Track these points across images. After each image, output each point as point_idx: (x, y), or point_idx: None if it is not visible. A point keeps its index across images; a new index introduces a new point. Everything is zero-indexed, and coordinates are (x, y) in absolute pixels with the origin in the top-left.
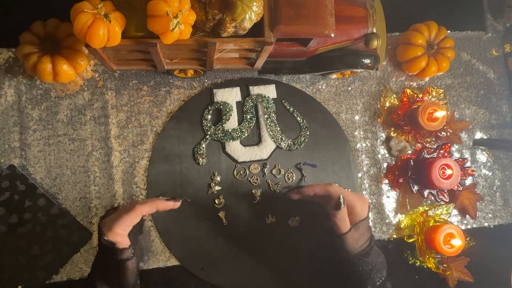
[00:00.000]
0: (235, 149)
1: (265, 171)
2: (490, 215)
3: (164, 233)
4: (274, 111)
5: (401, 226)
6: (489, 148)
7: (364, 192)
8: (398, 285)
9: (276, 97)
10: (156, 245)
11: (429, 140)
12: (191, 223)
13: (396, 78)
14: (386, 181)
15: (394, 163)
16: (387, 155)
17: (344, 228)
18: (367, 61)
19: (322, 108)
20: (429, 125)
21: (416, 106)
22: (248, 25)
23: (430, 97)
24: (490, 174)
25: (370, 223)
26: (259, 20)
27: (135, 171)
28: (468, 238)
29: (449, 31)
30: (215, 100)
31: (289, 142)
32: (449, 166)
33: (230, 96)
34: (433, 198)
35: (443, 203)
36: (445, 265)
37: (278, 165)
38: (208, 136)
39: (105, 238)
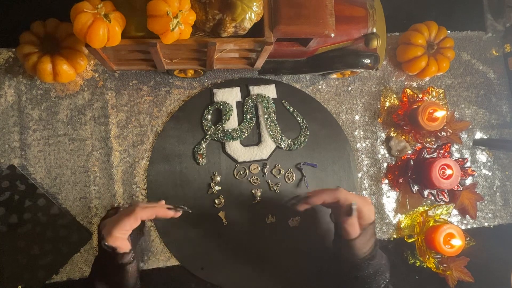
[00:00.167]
0: (235, 149)
1: (265, 171)
2: (490, 215)
3: (164, 233)
4: (274, 111)
5: (401, 226)
6: (489, 148)
7: (364, 192)
8: (398, 285)
9: (276, 97)
10: (156, 245)
11: (429, 140)
12: (191, 223)
13: (396, 78)
14: (386, 181)
15: (394, 163)
16: (387, 155)
17: (354, 234)
18: (367, 61)
19: (322, 108)
20: (429, 125)
21: (416, 106)
22: (248, 25)
23: (430, 97)
24: (490, 174)
25: None
26: (259, 20)
27: (135, 171)
28: (468, 238)
29: (449, 31)
30: (215, 100)
31: (289, 142)
32: (449, 166)
33: (230, 96)
34: (433, 198)
35: (443, 203)
36: (445, 265)
37: (278, 165)
38: (208, 136)
39: (105, 243)
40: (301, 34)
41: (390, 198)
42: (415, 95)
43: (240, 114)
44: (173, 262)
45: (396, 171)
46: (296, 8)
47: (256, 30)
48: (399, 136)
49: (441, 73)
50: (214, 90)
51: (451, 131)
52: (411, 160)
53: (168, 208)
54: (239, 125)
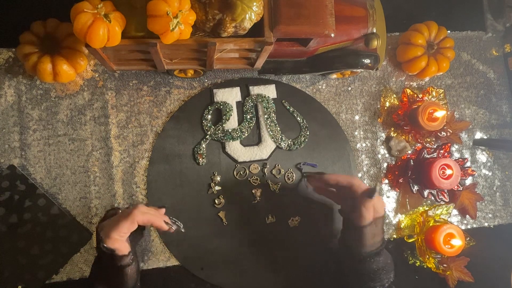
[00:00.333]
0: (235, 149)
1: (265, 171)
2: (490, 215)
3: (164, 233)
4: (274, 111)
5: (401, 226)
6: (489, 148)
7: None
8: (398, 285)
9: (276, 97)
10: (156, 245)
11: (429, 140)
12: (191, 223)
13: (396, 78)
14: (386, 181)
15: (394, 163)
16: (387, 155)
17: (368, 219)
18: (367, 61)
19: (322, 108)
20: (429, 125)
21: (416, 106)
22: (248, 25)
23: (430, 97)
24: (490, 174)
25: None
26: (259, 20)
27: (135, 171)
28: (468, 238)
29: (449, 31)
30: (215, 100)
31: (289, 142)
32: (449, 166)
33: (230, 96)
34: (433, 198)
35: (443, 203)
36: (445, 265)
37: (278, 165)
38: (208, 136)
39: (104, 245)
40: (301, 34)
41: (390, 198)
42: (415, 95)
43: (240, 114)
44: (173, 262)
45: (396, 171)
46: (296, 8)
47: (256, 30)
48: (399, 136)
49: (441, 73)
50: (214, 90)
51: (451, 131)
52: (411, 160)
53: (165, 222)
54: (239, 125)
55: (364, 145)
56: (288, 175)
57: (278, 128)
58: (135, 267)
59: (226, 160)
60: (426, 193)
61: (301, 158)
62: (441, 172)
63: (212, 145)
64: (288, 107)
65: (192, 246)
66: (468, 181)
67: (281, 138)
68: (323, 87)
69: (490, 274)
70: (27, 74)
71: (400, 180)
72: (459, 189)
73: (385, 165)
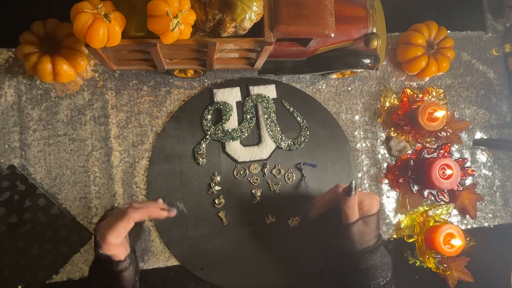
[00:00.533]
0: (235, 149)
1: (265, 171)
2: (490, 215)
3: (164, 233)
4: (274, 111)
5: (401, 226)
6: (489, 148)
7: None
8: (398, 285)
9: (276, 97)
10: (156, 245)
11: (429, 140)
12: (191, 223)
13: (396, 78)
14: (386, 181)
15: (394, 163)
16: (387, 155)
17: (352, 217)
18: (367, 61)
19: (322, 108)
20: (429, 125)
21: (416, 106)
22: (248, 25)
23: (430, 97)
24: (490, 174)
25: None
26: (259, 20)
27: (135, 171)
28: (468, 238)
29: (449, 31)
30: (215, 100)
31: (289, 142)
32: (449, 166)
33: (230, 96)
34: (433, 198)
35: (443, 203)
36: (445, 265)
37: (278, 165)
38: (208, 136)
39: (100, 252)
40: (301, 34)
41: (390, 198)
42: (415, 95)
43: (240, 114)
44: (173, 262)
45: (396, 171)
46: (296, 8)
47: (256, 30)
48: (399, 136)
49: (441, 73)
50: (214, 90)
51: (451, 131)
52: (411, 160)
53: (162, 209)
54: (239, 125)
55: (364, 145)
56: (288, 175)
57: (278, 128)
58: (132, 270)
59: (226, 160)
60: (426, 193)
61: (301, 158)
62: (441, 172)
63: (212, 145)
64: (288, 107)
65: (192, 246)
66: (468, 181)
67: (281, 138)
68: (323, 87)
69: (490, 274)
70: (27, 74)
71: (400, 180)
72: (459, 189)
73: (385, 165)
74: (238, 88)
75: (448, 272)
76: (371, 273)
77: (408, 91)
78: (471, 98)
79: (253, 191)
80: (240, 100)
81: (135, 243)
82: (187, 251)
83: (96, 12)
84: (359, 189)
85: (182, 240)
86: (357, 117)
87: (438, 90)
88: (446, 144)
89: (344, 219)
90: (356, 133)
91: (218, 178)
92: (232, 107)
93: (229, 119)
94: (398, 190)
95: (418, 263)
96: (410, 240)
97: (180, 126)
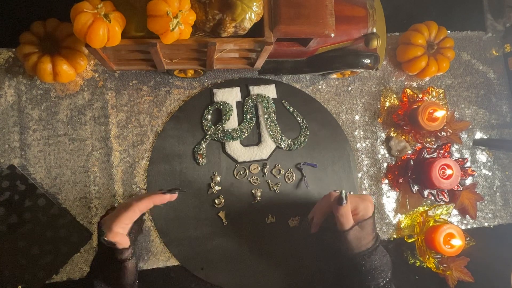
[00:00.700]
0: (235, 149)
1: (265, 171)
2: (490, 215)
3: (164, 233)
4: (274, 111)
5: (401, 226)
6: (489, 148)
7: (364, 192)
8: (398, 285)
9: (276, 97)
10: (156, 245)
11: (429, 140)
12: (191, 223)
13: (396, 78)
14: (386, 181)
15: (394, 163)
16: (387, 155)
17: (346, 225)
18: (367, 61)
19: (322, 108)
20: (429, 125)
21: (416, 106)
22: (248, 25)
23: (430, 97)
24: (490, 174)
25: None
26: (259, 20)
27: (135, 171)
28: (468, 238)
29: (449, 31)
30: (215, 100)
31: (289, 142)
32: (449, 166)
33: (230, 96)
34: (433, 198)
35: (443, 203)
36: (445, 265)
37: (278, 165)
38: (208, 136)
39: (105, 238)
40: (301, 34)
41: (390, 198)
42: (415, 95)
43: (240, 114)
44: (173, 262)
45: (396, 171)
46: (296, 8)
47: (256, 30)
48: (399, 136)
49: (441, 73)
50: (214, 90)
51: (451, 131)
52: (411, 160)
53: (163, 193)
54: (239, 125)
55: (364, 145)
56: (288, 175)
57: (278, 128)
58: (135, 262)
59: (226, 160)
60: (426, 193)
61: (301, 158)
62: (441, 172)
63: (212, 145)
64: (288, 107)
65: (192, 246)
66: (468, 181)
67: (281, 138)
68: (323, 87)
69: (490, 274)
70: (27, 74)
71: (400, 180)
72: (459, 189)
73: (385, 165)
74: (238, 88)
75: (448, 272)
76: (370, 274)
77: (408, 91)
78: (471, 98)
79: (253, 191)
80: (240, 100)
81: (137, 237)
82: (187, 251)
83: (96, 12)
84: (350, 192)
85: (182, 240)
86: (357, 117)
87: (438, 90)
88: (446, 144)
89: (339, 226)
90: (356, 133)
91: (218, 178)
92: (232, 107)
93: (229, 119)
94: (398, 190)
95: (418, 263)
96: (410, 240)
97: (180, 126)
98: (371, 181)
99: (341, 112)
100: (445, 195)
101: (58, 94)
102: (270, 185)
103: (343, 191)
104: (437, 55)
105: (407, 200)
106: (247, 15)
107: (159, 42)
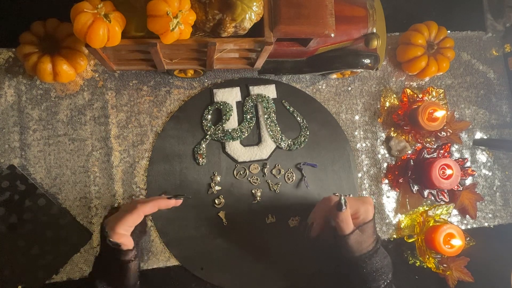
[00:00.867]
0: (235, 149)
1: (265, 171)
2: (490, 215)
3: (164, 233)
4: (274, 111)
5: (401, 226)
6: (489, 148)
7: (364, 192)
8: (398, 285)
9: (276, 97)
10: (156, 245)
11: (429, 140)
12: (191, 223)
13: (396, 78)
14: (386, 181)
15: (394, 163)
16: (387, 155)
17: (347, 230)
18: (367, 61)
19: (322, 108)
20: (429, 125)
21: (416, 106)
22: (248, 25)
23: (430, 97)
24: (490, 174)
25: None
26: (259, 20)
27: (135, 171)
28: (468, 238)
29: (449, 31)
30: (215, 100)
31: (289, 142)
32: (449, 166)
33: (230, 96)
34: (433, 198)
35: (443, 203)
36: (445, 265)
37: (278, 165)
38: (208, 136)
39: (110, 240)
40: (301, 34)
41: (390, 198)
42: (415, 95)
43: (240, 114)
44: (173, 262)
45: (396, 171)
46: (296, 8)
47: (256, 30)
48: (399, 136)
49: (441, 73)
50: (214, 90)
51: (451, 131)
52: (411, 160)
53: (168, 198)
54: (239, 125)
55: (364, 145)
56: (288, 175)
57: (278, 128)
58: (137, 263)
59: (226, 160)
60: (426, 193)
61: (301, 158)
62: (441, 172)
63: (212, 145)
64: (288, 107)
65: (192, 246)
66: (468, 181)
67: (281, 138)
68: (323, 87)
69: (490, 274)
70: (27, 74)
71: (400, 180)
72: (459, 189)
73: (385, 165)
74: (238, 88)
75: (448, 272)
76: (371, 276)
77: (408, 91)
78: (471, 98)
79: (253, 191)
80: (240, 100)
81: (140, 239)
82: (187, 251)
83: (96, 12)
84: (350, 195)
85: (182, 240)
86: (357, 117)
87: (438, 90)
88: (446, 144)
89: (339, 232)
90: (356, 133)
91: (218, 178)
92: (232, 107)
93: (229, 119)
94: (398, 190)
95: (418, 263)
96: (410, 240)
97: (180, 126)
98: (371, 181)
99: (341, 112)
100: (445, 195)
101: (58, 94)
102: (270, 185)
103: (342, 197)
104: (437, 55)
105: (407, 200)
106: (247, 15)
107: (159, 42)
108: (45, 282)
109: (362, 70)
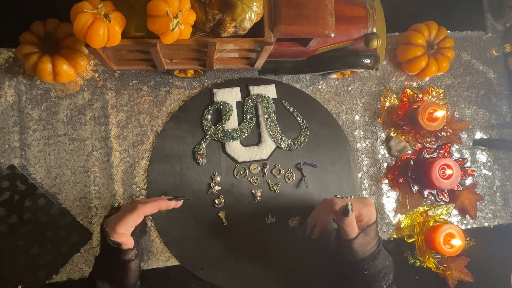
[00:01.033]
0: (235, 149)
1: (265, 171)
2: (490, 215)
3: (164, 233)
4: (274, 111)
5: (401, 226)
6: (489, 148)
7: (364, 192)
8: (398, 285)
9: (276, 97)
10: (156, 245)
11: (429, 140)
12: (191, 223)
13: (396, 78)
14: (386, 181)
15: (394, 163)
16: (387, 155)
17: (352, 234)
18: (367, 61)
19: (322, 108)
20: (429, 125)
21: (416, 106)
22: (248, 25)
23: (430, 97)
24: (490, 174)
25: None
26: (259, 20)
27: (135, 171)
28: (468, 238)
29: (449, 31)
30: (215, 100)
31: (289, 142)
32: (449, 166)
33: (230, 96)
34: (433, 198)
35: (443, 203)
36: (445, 265)
37: (278, 165)
38: (208, 136)
39: (111, 239)
40: (301, 34)
41: (390, 198)
42: (415, 95)
43: (240, 114)
44: (173, 262)
45: (396, 171)
46: (296, 8)
47: (256, 30)
48: (399, 136)
49: (441, 73)
50: (214, 90)
51: (451, 131)
52: (411, 160)
53: (169, 199)
54: (239, 125)
55: (364, 145)
56: (288, 175)
57: (278, 128)
58: (138, 262)
59: (226, 160)
60: (426, 193)
61: (301, 158)
62: (441, 172)
63: (212, 145)
64: (288, 107)
65: (192, 246)
66: (468, 181)
67: (281, 138)
68: (323, 87)
69: (490, 274)
70: (27, 74)
71: (400, 180)
72: (459, 189)
73: (385, 165)
74: (238, 88)
75: (448, 272)
76: (373, 278)
77: (408, 91)
78: (471, 98)
79: (253, 191)
80: (240, 100)
81: (140, 239)
82: (187, 251)
83: (96, 12)
84: (351, 196)
85: (182, 240)
86: (357, 117)
87: (438, 90)
88: (446, 144)
89: (343, 236)
90: (356, 133)
91: (218, 178)
92: (232, 107)
93: (229, 119)
94: (398, 190)
95: (418, 263)
96: (410, 240)
97: (180, 126)
98: (371, 181)
99: (341, 112)
100: (445, 195)
101: (58, 94)
102: (270, 185)
103: (349, 204)
104: (437, 55)
105: (407, 200)
106: (247, 15)
107: (159, 42)
108: (45, 282)
109: (362, 70)
